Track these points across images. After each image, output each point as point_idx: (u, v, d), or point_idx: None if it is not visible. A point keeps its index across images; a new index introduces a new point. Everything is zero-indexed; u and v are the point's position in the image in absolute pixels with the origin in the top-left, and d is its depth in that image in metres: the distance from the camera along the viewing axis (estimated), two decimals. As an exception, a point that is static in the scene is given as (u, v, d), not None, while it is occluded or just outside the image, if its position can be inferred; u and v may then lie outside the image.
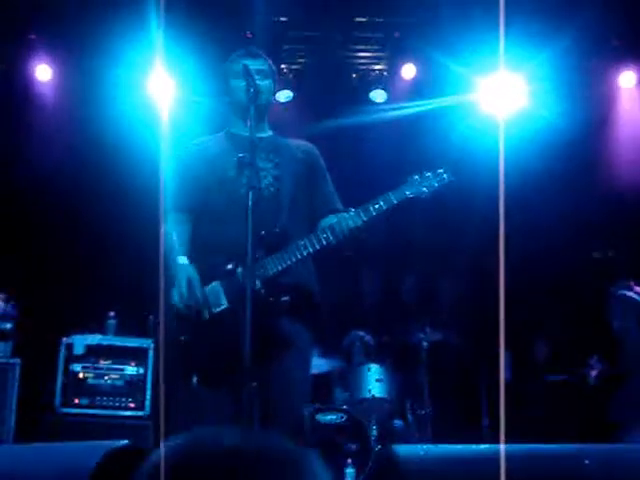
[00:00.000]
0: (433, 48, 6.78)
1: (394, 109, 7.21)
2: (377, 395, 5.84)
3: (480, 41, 6.23)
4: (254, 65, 3.48)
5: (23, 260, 6.82)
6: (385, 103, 7.34)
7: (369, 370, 5.94)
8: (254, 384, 2.97)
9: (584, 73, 6.92)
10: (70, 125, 6.98)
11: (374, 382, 5.89)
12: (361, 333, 6.64)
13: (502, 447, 1.86)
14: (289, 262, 3.22)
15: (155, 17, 5.47)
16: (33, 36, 7.11)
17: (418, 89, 7.24)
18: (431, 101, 6.98)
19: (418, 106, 7.06)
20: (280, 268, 3.22)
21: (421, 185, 3.28)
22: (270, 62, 3.64)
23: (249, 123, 3.22)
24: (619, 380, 5.32)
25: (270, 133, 3.65)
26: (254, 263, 3.04)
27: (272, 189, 3.40)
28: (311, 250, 3.22)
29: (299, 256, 3.22)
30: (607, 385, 5.89)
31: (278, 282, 3.23)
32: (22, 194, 7.01)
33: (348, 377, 6.14)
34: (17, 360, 5.86)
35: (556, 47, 6.41)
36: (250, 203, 2.98)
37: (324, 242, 3.22)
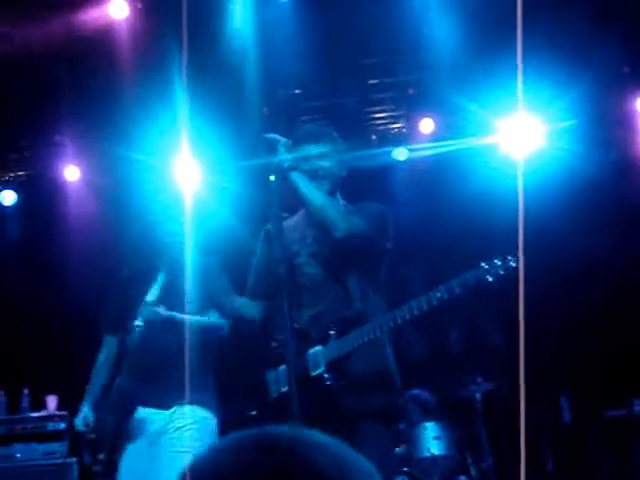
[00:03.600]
0: (450, 97, 6.82)
1: (417, 150, 7.27)
2: (436, 453, 5.75)
3: (498, 84, 6.28)
4: (313, 150, 3.44)
5: (66, 359, 6.88)
6: (408, 160, 7.41)
7: (425, 429, 5.86)
8: None
9: (602, 108, 6.92)
10: (101, 222, 7.10)
11: (432, 440, 5.81)
12: (416, 392, 6.55)
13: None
14: (351, 347, 3.17)
15: (179, 101, 5.59)
16: (57, 137, 7.31)
17: (439, 141, 7.29)
18: (452, 142, 7.03)
19: (439, 147, 7.12)
20: (344, 352, 3.18)
21: (489, 274, 3.04)
22: (330, 138, 3.55)
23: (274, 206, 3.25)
24: None
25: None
26: (325, 345, 3.15)
27: (318, 264, 3.40)
28: (372, 337, 3.16)
29: (360, 341, 3.14)
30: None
31: (340, 366, 3.20)
32: (56, 295, 7.11)
33: (406, 438, 6.06)
34: (73, 459, 5.88)
35: (574, 87, 6.46)
36: (282, 277, 2.99)
37: (385, 328, 3.15)
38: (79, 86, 6.80)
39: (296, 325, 3.14)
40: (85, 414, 3.88)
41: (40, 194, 7.57)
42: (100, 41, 6.40)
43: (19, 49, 6.15)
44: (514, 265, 3.00)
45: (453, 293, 3.01)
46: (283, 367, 3.26)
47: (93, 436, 3.77)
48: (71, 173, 7.38)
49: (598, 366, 6.80)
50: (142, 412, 3.79)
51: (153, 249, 4.05)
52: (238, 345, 3.64)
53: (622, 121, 7.01)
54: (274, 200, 3.21)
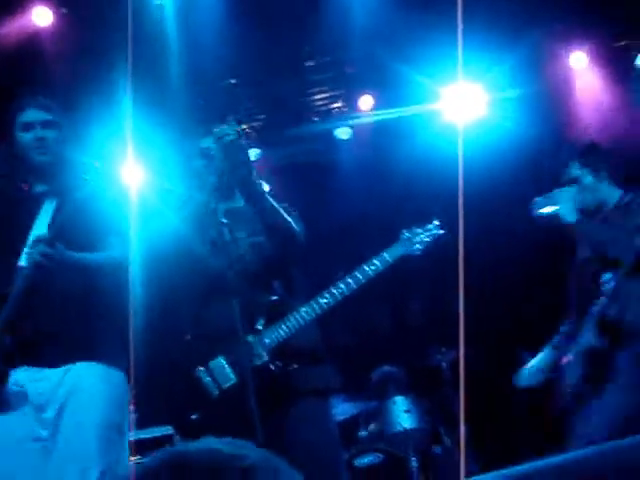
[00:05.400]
0: (389, 69, 6.78)
1: (359, 123, 7.27)
2: (408, 427, 5.76)
3: (437, 52, 6.27)
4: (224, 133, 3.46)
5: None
6: (351, 139, 7.42)
7: (395, 403, 5.87)
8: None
9: (539, 71, 6.94)
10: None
11: (403, 414, 5.82)
12: (386, 368, 6.58)
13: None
14: (293, 330, 3.24)
15: (123, 99, 5.49)
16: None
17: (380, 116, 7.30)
18: (393, 110, 7.04)
19: (380, 116, 7.14)
20: (285, 336, 3.24)
21: (413, 242, 3.49)
22: (240, 130, 3.61)
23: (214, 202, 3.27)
24: None
25: (243, 202, 3.59)
26: (257, 335, 3.17)
27: (248, 257, 3.41)
28: (314, 315, 3.26)
29: (302, 323, 3.25)
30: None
31: (284, 350, 3.23)
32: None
33: (377, 415, 6.08)
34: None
35: (512, 51, 6.47)
36: (231, 283, 3.02)
37: (325, 307, 3.27)
38: (13, 95, 6.65)
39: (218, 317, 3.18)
40: None
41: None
42: (28, 49, 6.27)
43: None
44: (435, 232, 3.38)
45: (386, 262, 3.38)
46: (215, 363, 3.26)
47: None
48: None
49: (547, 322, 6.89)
50: (24, 374, 3.03)
51: (42, 168, 3.24)
52: (157, 345, 3.49)
53: (558, 81, 7.03)
54: (219, 207, 3.25)
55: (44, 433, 2.97)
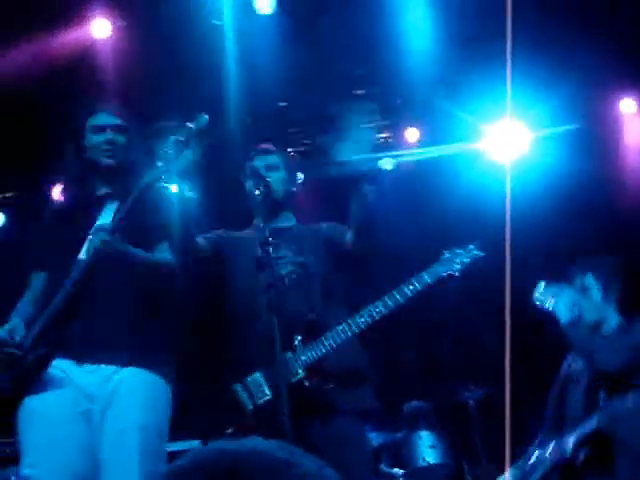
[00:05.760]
0: (436, 105, 6.82)
1: (404, 156, 7.27)
2: (432, 461, 5.76)
3: (483, 89, 6.29)
4: (264, 161, 3.64)
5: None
6: (395, 169, 7.40)
7: (420, 438, 5.87)
8: None
9: (586, 113, 6.91)
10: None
11: (427, 449, 5.82)
12: (415, 404, 6.55)
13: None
14: (329, 348, 3.25)
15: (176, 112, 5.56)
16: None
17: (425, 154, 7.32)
18: (437, 148, 7.05)
19: (425, 153, 7.15)
20: (320, 354, 3.24)
21: (453, 263, 3.40)
22: (284, 155, 3.82)
23: (262, 221, 3.32)
24: None
25: (292, 222, 3.73)
26: (294, 352, 3.22)
27: (294, 276, 3.45)
28: (350, 334, 3.26)
29: (339, 341, 3.26)
30: None
31: (320, 368, 3.24)
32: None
33: (401, 447, 6.05)
34: None
35: (559, 91, 6.47)
36: (272, 301, 3.03)
37: (362, 326, 3.26)
38: (66, 105, 6.77)
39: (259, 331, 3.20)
40: (15, 325, 3.01)
41: (29, 216, 7.52)
42: (84, 61, 6.39)
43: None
44: (476, 253, 3.29)
45: (424, 283, 3.31)
46: (252, 379, 3.30)
47: (14, 351, 2.89)
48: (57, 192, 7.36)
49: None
50: (66, 365, 2.98)
51: (108, 171, 3.28)
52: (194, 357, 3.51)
53: (606, 125, 7.00)
54: (266, 227, 3.27)
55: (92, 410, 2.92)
